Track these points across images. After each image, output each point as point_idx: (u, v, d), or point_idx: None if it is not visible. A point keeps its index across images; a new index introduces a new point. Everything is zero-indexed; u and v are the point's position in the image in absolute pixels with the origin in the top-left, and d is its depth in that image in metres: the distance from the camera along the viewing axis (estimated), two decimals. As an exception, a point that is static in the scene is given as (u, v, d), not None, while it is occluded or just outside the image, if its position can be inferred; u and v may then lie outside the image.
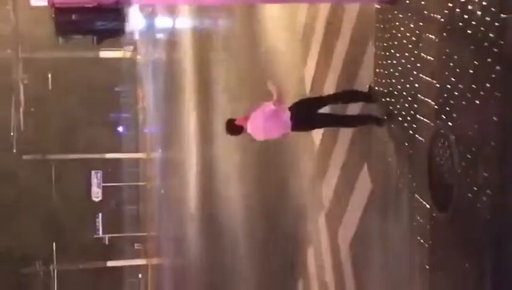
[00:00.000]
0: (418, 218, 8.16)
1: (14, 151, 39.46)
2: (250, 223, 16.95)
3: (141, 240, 42.51)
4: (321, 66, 11.76)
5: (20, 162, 39.90)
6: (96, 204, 41.93)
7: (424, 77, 8.01)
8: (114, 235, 43.68)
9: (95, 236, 42.65)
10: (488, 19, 6.72)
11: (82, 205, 41.83)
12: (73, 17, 8.65)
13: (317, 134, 11.67)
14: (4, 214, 40.14)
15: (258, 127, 9.49)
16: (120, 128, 48.84)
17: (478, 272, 6.87)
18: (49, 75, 43.26)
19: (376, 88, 9.29)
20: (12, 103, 39.88)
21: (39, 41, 35.92)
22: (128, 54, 40.53)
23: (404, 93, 8.50)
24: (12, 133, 39.45)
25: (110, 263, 41.98)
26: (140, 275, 43.09)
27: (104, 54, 39.13)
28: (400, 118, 8.57)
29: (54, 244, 40.93)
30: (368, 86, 9.51)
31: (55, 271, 41.37)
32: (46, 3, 8.36)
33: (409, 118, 8.37)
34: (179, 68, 28.02)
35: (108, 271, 42.06)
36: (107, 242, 43.45)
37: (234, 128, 9.72)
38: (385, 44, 9.04)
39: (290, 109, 9.44)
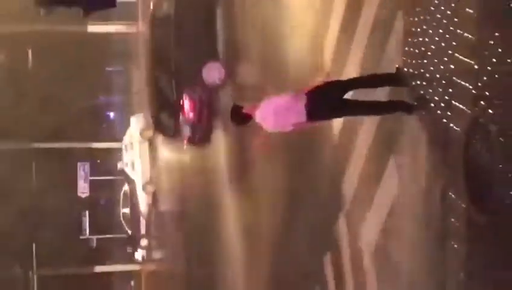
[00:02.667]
0: (453, 220, 8.18)
1: (-10, 140, 39.50)
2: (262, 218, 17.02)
3: (133, 242, 42.63)
4: (343, 42, 11.76)
5: (-5, 152, 39.98)
6: (82, 200, 42.01)
7: (460, 57, 8.02)
8: (103, 236, 43.73)
9: (81, 237, 42.66)
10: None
11: (67, 201, 41.88)
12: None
13: (338, 123, 11.63)
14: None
15: (268, 116, 9.41)
16: (111, 114, 48.91)
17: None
18: (29, 52, 43.27)
19: (405, 70, 9.28)
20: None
21: (17, 13, 35.86)
22: (122, 29, 40.50)
23: (438, 75, 8.50)
24: (-13, 119, 39.51)
25: (98, 268, 42.07)
26: (132, 282, 43.21)
27: (93, 28, 39.04)
28: (433, 105, 8.58)
29: (34, 245, 41.01)
30: (395, 67, 9.45)
31: (35, 277, 41.47)
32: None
33: (442, 105, 8.38)
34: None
35: (96, 277, 42.13)
36: (94, 244, 43.50)
37: (240, 116, 9.65)
38: (416, 18, 9.04)
39: (307, 94, 9.28)
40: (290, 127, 9.51)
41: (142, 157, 34.35)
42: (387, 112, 9.54)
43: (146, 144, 33.85)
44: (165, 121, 23.60)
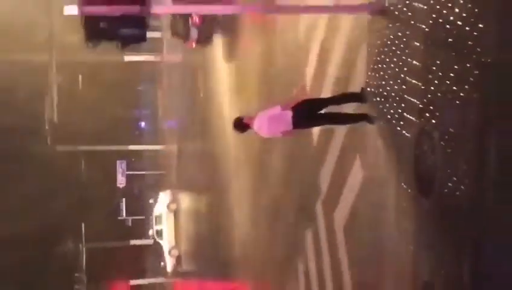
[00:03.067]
0: (404, 204, 8.16)
1: (49, 143, 39.49)
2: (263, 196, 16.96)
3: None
4: (320, 68, 11.75)
5: (54, 152, 39.94)
6: (120, 190, 41.99)
7: (410, 79, 8.00)
8: (136, 217, 43.75)
9: (119, 218, 42.73)
10: (467, 28, 6.71)
11: (108, 190, 41.88)
12: (101, 25, 8.68)
13: (316, 130, 11.65)
14: (40, 199, 40.25)
15: (263, 125, 9.59)
16: (142, 123, 48.90)
17: (457, 256, 6.87)
18: (80, 76, 43.34)
19: (368, 89, 9.28)
20: (47, 100, 39.91)
21: (71, 47, 35.91)
22: (150, 58, 40.50)
23: (393, 94, 8.49)
24: (47, 127, 39.48)
25: (132, 242, 42.08)
26: (159, 253, 43.10)
27: (128, 57, 39.07)
28: (389, 116, 8.56)
29: (83, 225, 41.04)
30: (360, 88, 9.50)
31: (84, 249, 41.45)
32: (77, 13, 8.42)
33: (396, 116, 8.36)
34: (193, 70, 28.07)
35: (131, 249, 42.16)
36: (130, 224, 43.53)
37: (241, 125, 9.82)
38: (376, 50, 9.03)
39: (293, 108, 9.47)
40: (280, 134, 9.75)
41: (168, 226, 33.39)
42: (354, 122, 9.63)
43: (172, 215, 32.92)
44: (179, 30, 23.53)
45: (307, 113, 9.55)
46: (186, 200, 30.84)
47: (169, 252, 32.91)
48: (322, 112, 9.70)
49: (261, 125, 9.63)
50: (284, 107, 9.54)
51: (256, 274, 16.95)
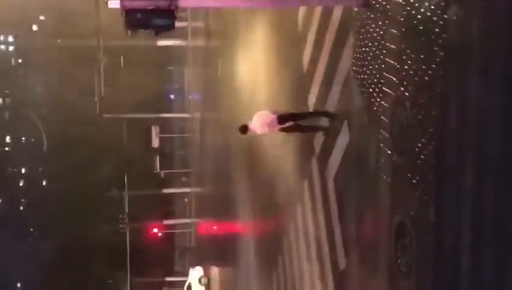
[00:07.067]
0: (382, 160, 8.17)
1: (97, 111, 39.60)
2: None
3: (187, 175, 42.71)
4: (315, 49, 11.66)
5: (102, 119, 40.06)
6: (155, 149, 42.15)
7: (388, 60, 7.95)
8: (167, 171, 43.93)
9: (154, 171, 42.88)
10: (435, 18, 6.65)
11: (145, 149, 42.02)
12: (138, 16, 8.71)
13: (314, 94, 11.60)
14: (92, 157, 40.57)
15: (257, 127, 10.90)
16: (171, 96, 48.85)
17: (425, 201, 6.91)
18: (122, 58, 43.21)
19: (353, 68, 9.21)
20: (96, 77, 39.90)
21: (114, 34, 35.76)
22: (178, 42, 40.18)
23: (374, 72, 8.44)
24: (96, 99, 39.56)
25: (164, 191, 42.31)
26: (186, 199, 43.42)
27: (160, 42, 38.84)
28: (371, 90, 8.53)
29: (126, 176, 41.31)
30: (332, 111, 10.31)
31: (127, 195, 41.78)
32: (118, 6, 8.43)
33: (377, 90, 8.33)
34: (213, 53, 27.94)
35: (163, 196, 42.43)
36: (162, 176, 43.71)
37: (243, 129, 11.07)
38: (361, 36, 8.96)
39: (277, 117, 10.78)
40: (269, 132, 11.18)
41: None
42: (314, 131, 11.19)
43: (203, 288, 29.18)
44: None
45: (288, 121, 10.93)
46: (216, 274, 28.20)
47: None
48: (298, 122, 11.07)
49: (255, 127, 10.93)
50: (273, 114, 10.79)
51: (262, 215, 17.05)
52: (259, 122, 10.81)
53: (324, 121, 10.86)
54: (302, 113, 11.24)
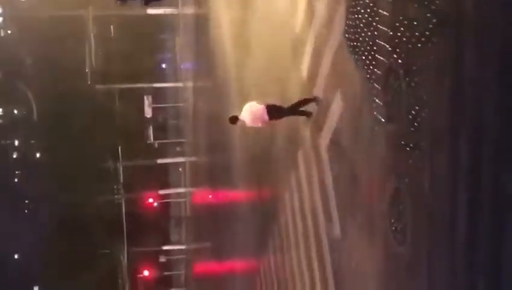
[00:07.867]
0: (376, 128, 8.16)
1: (89, 82, 39.34)
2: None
3: (181, 145, 42.72)
4: (306, 21, 11.55)
5: (93, 90, 39.85)
6: (148, 119, 42.00)
7: (381, 27, 7.87)
8: (161, 141, 43.87)
9: (147, 142, 42.83)
10: (428, -16, 6.57)
11: (138, 120, 41.87)
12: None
13: (306, 62, 11.53)
14: (85, 129, 40.44)
15: (246, 118, 11.23)
16: (163, 65, 48.43)
17: (419, 167, 6.93)
18: (111, 27, 42.74)
19: (345, 36, 9.12)
20: (86, 47, 39.51)
21: (104, 3, 35.33)
22: (169, 11, 39.72)
23: (367, 39, 8.36)
24: (87, 70, 39.25)
25: (159, 161, 42.33)
26: (180, 169, 43.49)
27: (150, 11, 38.38)
28: (363, 57, 8.46)
29: (120, 148, 41.30)
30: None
31: (121, 166, 41.81)
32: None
33: (370, 57, 8.26)
34: (206, 22, 27.61)
35: (158, 166, 42.46)
36: (156, 146, 43.67)
37: (234, 119, 11.42)
38: (353, 3, 8.85)
39: (266, 107, 11.16)
40: (259, 124, 11.42)
41: None
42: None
43: None
44: None
45: (275, 112, 11.33)
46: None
47: None
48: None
49: (244, 118, 11.25)
50: (263, 106, 11.13)
51: (258, 183, 17.10)
52: (250, 116, 11.19)
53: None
54: (290, 106, 11.40)
